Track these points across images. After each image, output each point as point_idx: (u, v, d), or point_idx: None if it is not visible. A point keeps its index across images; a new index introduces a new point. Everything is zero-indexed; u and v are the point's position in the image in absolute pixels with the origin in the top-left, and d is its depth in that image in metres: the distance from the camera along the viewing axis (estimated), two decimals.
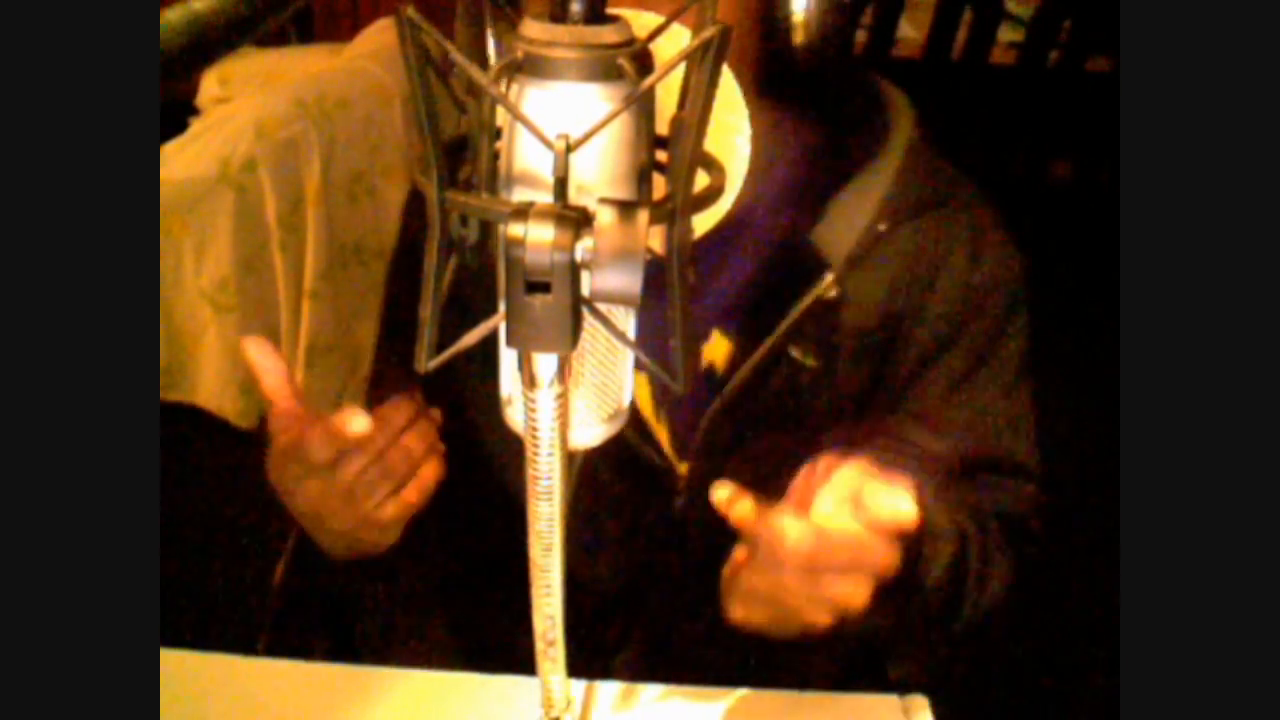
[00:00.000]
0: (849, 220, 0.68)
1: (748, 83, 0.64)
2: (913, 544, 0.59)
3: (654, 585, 0.81)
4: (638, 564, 0.79)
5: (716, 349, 0.73)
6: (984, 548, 0.68)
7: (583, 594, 0.68)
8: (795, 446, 0.76)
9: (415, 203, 0.80)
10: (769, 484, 0.76)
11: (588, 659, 0.79)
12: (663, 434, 0.74)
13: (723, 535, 0.79)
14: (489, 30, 0.38)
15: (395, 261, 0.83)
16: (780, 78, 0.63)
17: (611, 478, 0.75)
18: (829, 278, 0.67)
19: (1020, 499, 0.75)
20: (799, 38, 0.60)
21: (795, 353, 0.70)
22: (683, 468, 0.75)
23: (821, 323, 0.69)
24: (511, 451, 0.40)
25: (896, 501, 0.50)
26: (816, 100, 0.70)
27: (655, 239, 0.35)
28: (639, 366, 0.39)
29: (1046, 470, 0.75)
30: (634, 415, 0.73)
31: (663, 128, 0.37)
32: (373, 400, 0.86)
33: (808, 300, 0.68)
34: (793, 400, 0.72)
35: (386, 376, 0.85)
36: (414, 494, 0.61)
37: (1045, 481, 0.75)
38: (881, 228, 0.68)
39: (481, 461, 0.75)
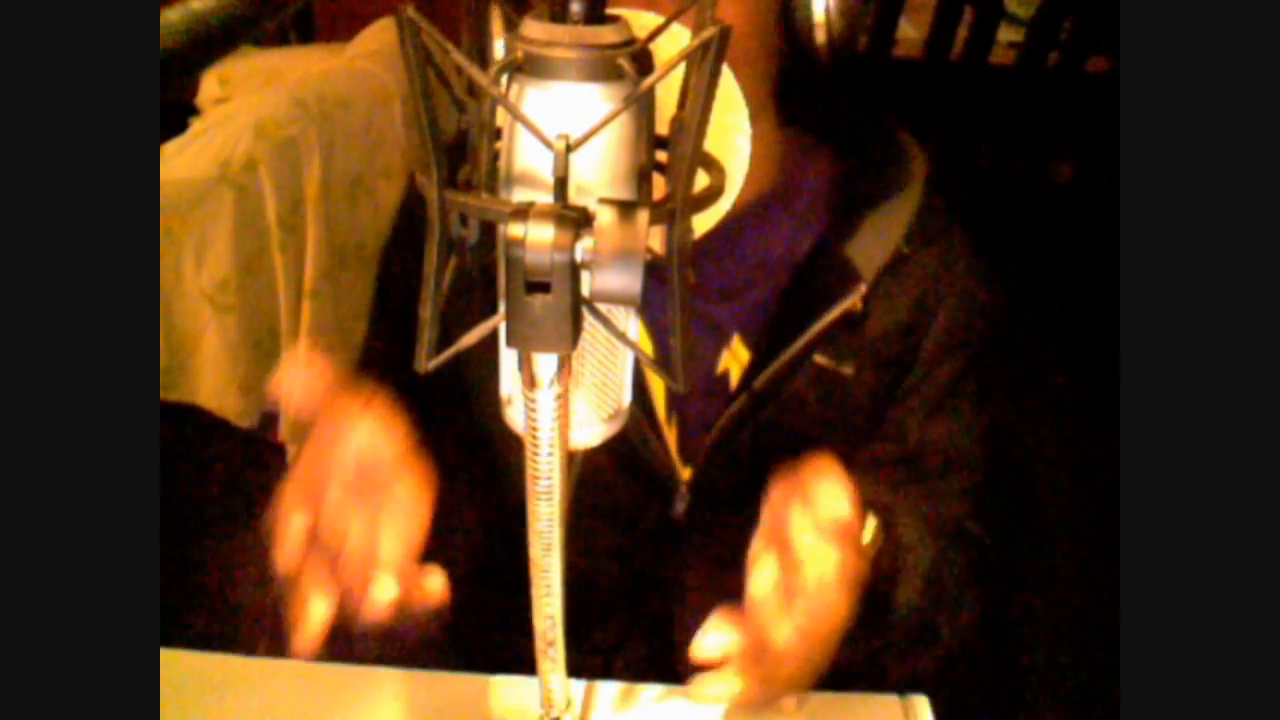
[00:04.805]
0: (881, 238, 0.72)
1: (767, 84, 0.65)
2: (884, 559, 0.61)
3: (654, 587, 0.81)
4: (638, 565, 0.79)
5: (736, 357, 0.74)
6: (957, 566, 0.72)
7: (583, 594, 0.69)
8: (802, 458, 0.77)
9: (414, 195, 0.81)
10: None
11: (588, 659, 0.79)
12: (671, 436, 0.75)
13: (722, 539, 0.79)
14: (492, 30, 0.38)
15: (388, 251, 0.84)
16: (804, 79, 0.64)
17: (613, 479, 0.75)
18: (861, 289, 0.71)
19: (960, 496, 0.78)
20: (821, 37, 0.61)
21: (825, 361, 0.73)
22: (686, 472, 0.75)
23: (847, 334, 0.72)
24: (511, 451, 0.40)
25: (836, 500, 0.52)
26: (855, 121, 0.75)
27: (655, 239, 0.35)
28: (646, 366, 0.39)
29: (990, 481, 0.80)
30: (647, 415, 0.74)
31: (663, 128, 0.37)
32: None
33: (839, 309, 0.70)
34: (810, 410, 0.73)
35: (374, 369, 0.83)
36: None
37: (990, 490, 0.80)
38: (906, 250, 0.72)
39: (481, 461, 0.75)
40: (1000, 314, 0.78)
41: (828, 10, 0.61)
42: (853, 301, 0.71)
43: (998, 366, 0.80)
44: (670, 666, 0.79)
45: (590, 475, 0.73)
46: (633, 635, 0.81)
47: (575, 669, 0.54)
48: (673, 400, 0.74)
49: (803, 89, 0.68)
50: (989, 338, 0.77)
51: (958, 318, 0.75)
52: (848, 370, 0.73)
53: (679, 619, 0.81)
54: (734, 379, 0.74)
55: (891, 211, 0.73)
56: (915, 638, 0.68)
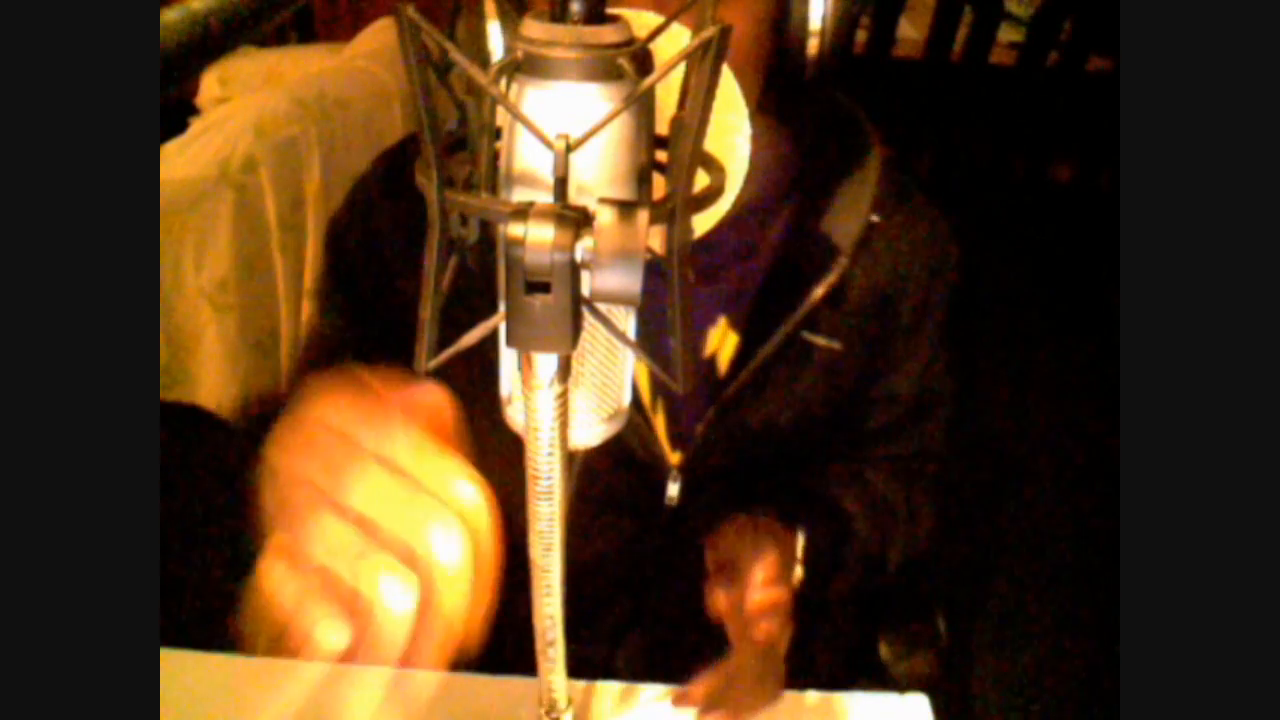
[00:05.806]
0: (852, 211, 0.74)
1: (756, 86, 0.66)
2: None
3: (652, 574, 0.81)
4: (634, 554, 0.79)
5: (721, 340, 0.74)
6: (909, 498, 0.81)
7: (580, 585, 0.69)
8: (790, 446, 0.77)
9: (371, 173, 0.79)
10: (760, 480, 0.77)
11: (587, 652, 0.79)
12: (659, 422, 0.75)
13: (718, 523, 0.79)
14: (490, 29, 0.38)
15: (339, 232, 0.77)
16: (789, 82, 0.65)
17: (604, 467, 0.75)
18: (843, 261, 0.72)
19: (939, 432, 0.85)
20: (814, 47, 0.61)
21: (814, 338, 0.74)
22: (675, 457, 0.75)
23: (831, 309, 0.74)
24: (511, 451, 0.40)
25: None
26: (815, 101, 0.77)
27: (655, 239, 0.35)
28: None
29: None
30: (633, 402, 0.74)
31: (663, 128, 0.37)
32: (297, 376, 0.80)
33: (826, 285, 0.72)
34: (801, 387, 0.74)
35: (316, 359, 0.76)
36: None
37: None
38: (875, 218, 0.74)
39: (480, 461, 0.75)
40: (961, 262, 0.82)
41: (824, 20, 0.61)
42: (835, 275, 0.72)
43: (961, 305, 0.85)
44: (670, 666, 0.79)
45: (581, 466, 0.74)
46: (632, 625, 0.81)
47: (575, 661, 0.54)
48: (657, 386, 0.75)
49: (786, 89, 0.69)
50: (951, 291, 0.81)
51: (932, 279, 0.78)
52: (837, 345, 0.75)
53: (678, 615, 0.81)
54: (722, 361, 0.74)
55: (858, 184, 0.75)
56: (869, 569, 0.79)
